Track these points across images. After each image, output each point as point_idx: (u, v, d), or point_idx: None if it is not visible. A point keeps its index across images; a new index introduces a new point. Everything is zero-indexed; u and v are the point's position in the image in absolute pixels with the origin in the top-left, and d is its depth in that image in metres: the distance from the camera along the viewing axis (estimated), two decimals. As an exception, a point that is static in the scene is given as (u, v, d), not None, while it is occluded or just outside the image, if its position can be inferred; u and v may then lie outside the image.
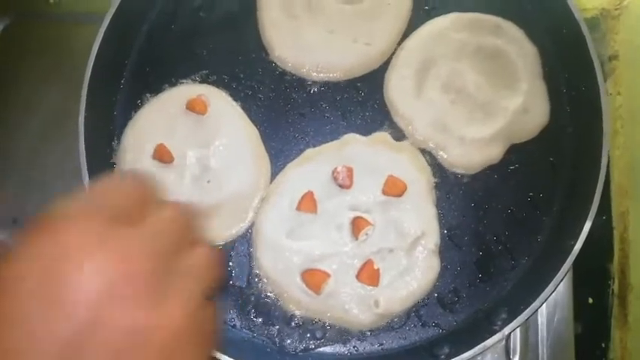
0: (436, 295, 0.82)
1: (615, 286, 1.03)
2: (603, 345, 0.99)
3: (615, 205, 1.05)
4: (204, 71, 0.90)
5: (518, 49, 0.87)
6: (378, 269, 0.81)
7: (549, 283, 0.76)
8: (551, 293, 0.76)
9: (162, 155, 0.85)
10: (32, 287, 0.38)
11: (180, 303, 0.41)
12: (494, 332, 0.75)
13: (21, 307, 0.38)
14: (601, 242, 1.04)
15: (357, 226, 0.81)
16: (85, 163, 0.82)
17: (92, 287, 0.38)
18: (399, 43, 0.89)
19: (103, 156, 0.87)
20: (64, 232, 0.39)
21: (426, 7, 0.91)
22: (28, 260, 0.39)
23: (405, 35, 0.89)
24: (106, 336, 0.38)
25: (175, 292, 0.41)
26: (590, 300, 1.03)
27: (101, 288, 0.38)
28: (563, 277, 0.77)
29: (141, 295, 0.39)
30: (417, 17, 0.90)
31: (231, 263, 0.85)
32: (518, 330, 0.85)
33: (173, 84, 0.90)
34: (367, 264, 0.81)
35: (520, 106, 0.85)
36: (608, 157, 1.02)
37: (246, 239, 0.85)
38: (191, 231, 0.47)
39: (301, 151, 0.87)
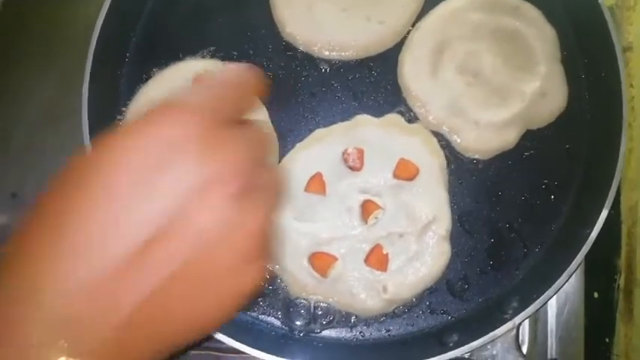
0: (446, 281, 0.80)
1: (621, 281, 1.01)
2: (607, 340, 0.97)
3: (624, 199, 1.03)
4: (211, 47, 0.87)
5: (537, 31, 0.84)
6: (387, 254, 0.79)
7: (563, 272, 0.74)
8: (565, 283, 0.74)
9: (168, 132, 0.83)
10: (132, 168, 0.40)
11: (259, 211, 0.43)
12: (505, 321, 0.73)
13: (116, 186, 0.40)
14: (609, 236, 1.01)
15: (367, 209, 0.79)
16: (89, 137, 0.80)
17: (187, 180, 0.40)
18: (414, 23, 0.86)
19: (107, 131, 0.85)
20: (169, 125, 0.41)
21: (444, -14, 0.88)
22: (132, 145, 0.41)
23: (421, 15, 0.86)
24: (188, 230, 0.40)
25: (255, 202, 0.43)
26: (596, 294, 1.01)
27: (195, 183, 0.40)
28: (577, 267, 0.75)
29: (229, 196, 0.41)
30: (434, -4, 0.87)
31: (236, 244, 0.82)
32: (527, 321, 0.84)
33: (180, 59, 0.87)
34: (376, 248, 0.79)
35: (538, 89, 0.82)
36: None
37: (252, 220, 0.82)
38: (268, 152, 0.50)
39: (311, 131, 0.84)
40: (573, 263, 0.75)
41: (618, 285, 1.01)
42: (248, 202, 0.43)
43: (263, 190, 0.46)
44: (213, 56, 0.87)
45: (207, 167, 0.41)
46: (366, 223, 0.79)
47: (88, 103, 0.81)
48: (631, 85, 1.08)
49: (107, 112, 0.85)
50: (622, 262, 1.02)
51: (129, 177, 0.39)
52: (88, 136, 0.80)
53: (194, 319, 0.43)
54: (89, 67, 0.81)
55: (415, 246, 0.79)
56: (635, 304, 0.99)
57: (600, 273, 1.01)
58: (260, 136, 0.47)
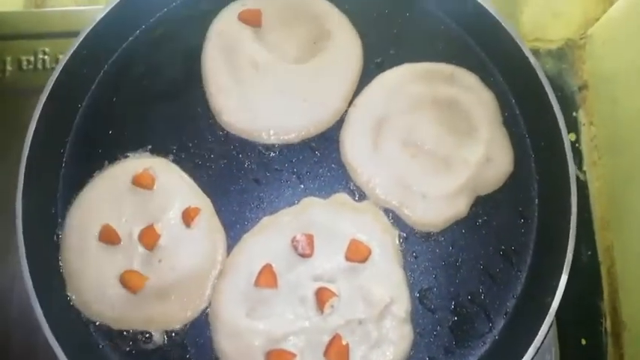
0: (412, 366, 0.77)
1: (608, 325, 0.98)
2: (600, 387, 0.93)
3: (600, 240, 1.01)
4: (150, 143, 0.85)
5: (474, 96, 0.84)
6: (347, 344, 0.75)
7: (529, 346, 0.71)
8: (532, 358, 0.71)
9: (109, 237, 0.79)
10: None
11: None
12: (475, 407, 0.70)
13: None
14: (589, 279, 0.99)
15: (322, 297, 0.76)
16: (24, 251, 0.76)
17: None
18: (352, 100, 0.85)
19: (45, 240, 0.81)
20: None
21: (377, 60, 0.88)
22: None
23: (358, 90, 0.86)
24: None
25: None
26: (584, 341, 0.98)
27: None
28: (544, 339, 0.72)
29: None
30: (369, 71, 0.87)
31: (189, 349, 0.78)
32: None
33: (118, 159, 0.85)
34: (335, 339, 0.75)
35: (482, 156, 0.81)
36: (588, 192, 1.01)
37: (204, 321, 0.78)
38: None
39: (257, 219, 0.82)
40: (539, 336, 0.72)
41: (605, 329, 0.98)
42: None
43: None
44: (151, 152, 0.85)
45: None
46: (322, 312, 0.76)
47: (23, 215, 0.77)
48: (591, 123, 1.08)
49: (45, 222, 0.82)
50: (606, 304, 0.99)
51: None
52: (24, 253, 0.76)
53: None
54: (22, 180, 0.79)
55: (376, 332, 0.75)
56: (625, 348, 0.96)
57: (585, 318, 0.98)
58: None
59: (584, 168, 1.05)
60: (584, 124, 1.08)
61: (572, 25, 1.11)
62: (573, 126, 1.06)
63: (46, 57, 0.98)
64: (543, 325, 0.71)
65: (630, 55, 0.96)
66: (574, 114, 1.08)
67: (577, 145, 1.05)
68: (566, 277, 0.74)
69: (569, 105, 1.08)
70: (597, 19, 1.08)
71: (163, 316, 0.78)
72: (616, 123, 1.01)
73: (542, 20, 1.11)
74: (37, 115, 0.81)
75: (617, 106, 1.00)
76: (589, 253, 1.01)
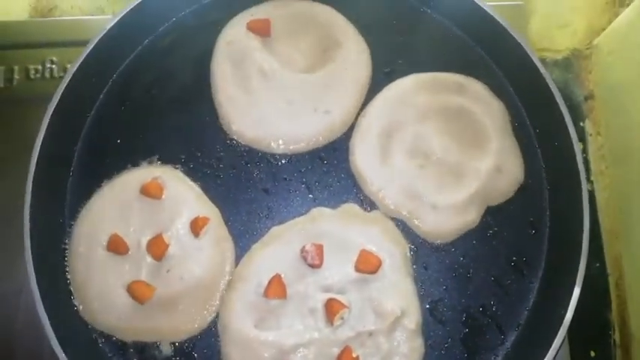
0: (423, 379, 0.76)
1: (617, 337, 0.97)
2: (609, 402, 0.92)
3: (608, 251, 1.00)
4: (158, 152, 0.85)
5: (484, 106, 0.84)
6: (357, 357, 0.74)
7: (542, 359, 0.70)
8: (547, 372, 0.70)
9: (117, 246, 0.79)
10: None
11: None
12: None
13: None
14: (597, 290, 0.98)
15: (332, 309, 0.75)
16: (32, 260, 0.75)
17: None
18: (361, 109, 0.85)
19: (52, 249, 0.81)
20: None
21: (386, 70, 0.88)
22: None
23: (367, 100, 0.86)
24: None
25: None
26: (593, 353, 0.96)
27: None
28: (558, 351, 0.71)
29: None
30: (378, 81, 0.87)
31: (197, 360, 0.77)
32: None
33: (127, 168, 0.84)
34: (345, 352, 0.74)
35: (492, 166, 0.81)
36: (596, 202, 1.00)
37: (213, 332, 0.78)
38: None
39: (266, 229, 0.81)
40: (552, 348, 0.71)
41: (614, 341, 0.97)
42: None
43: None
44: (160, 161, 0.85)
45: None
46: (332, 324, 0.75)
47: (30, 225, 0.77)
48: (598, 134, 1.08)
49: (53, 231, 0.81)
50: (614, 316, 0.98)
51: None
52: (31, 262, 0.76)
53: None
54: (30, 188, 0.78)
55: (386, 344, 0.74)
56: (634, 360, 0.95)
57: (594, 329, 0.97)
58: None
59: (592, 178, 1.05)
60: (590, 134, 1.08)
61: (578, 35, 1.12)
62: (580, 136, 1.06)
63: (53, 66, 0.99)
64: (557, 338, 0.71)
65: (636, 65, 0.97)
66: (581, 124, 1.08)
67: (584, 155, 1.05)
68: (580, 289, 0.73)
69: (576, 115, 1.08)
70: (603, 29, 1.09)
71: (171, 327, 0.77)
72: (623, 132, 1.01)
73: (548, 30, 1.11)
74: (46, 124, 0.81)
75: (624, 116, 1.00)
76: (597, 264, 1.00)
